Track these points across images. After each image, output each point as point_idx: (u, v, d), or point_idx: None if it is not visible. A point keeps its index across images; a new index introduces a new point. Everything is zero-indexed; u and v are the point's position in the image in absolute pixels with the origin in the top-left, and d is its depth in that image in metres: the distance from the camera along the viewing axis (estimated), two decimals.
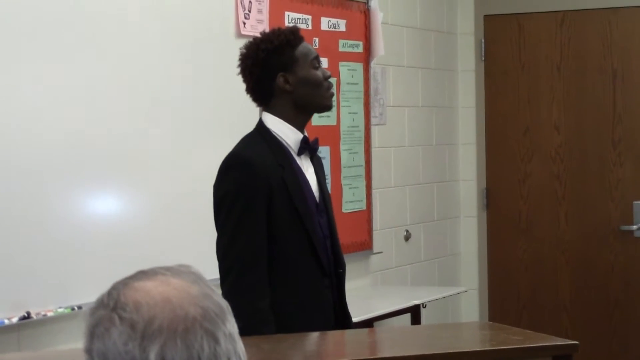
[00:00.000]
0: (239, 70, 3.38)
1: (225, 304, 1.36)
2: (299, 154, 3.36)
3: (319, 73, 3.36)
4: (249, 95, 3.42)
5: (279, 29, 3.43)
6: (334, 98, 3.55)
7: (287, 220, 3.27)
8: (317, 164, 3.47)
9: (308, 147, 3.39)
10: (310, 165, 3.42)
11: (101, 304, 1.34)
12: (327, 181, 5.29)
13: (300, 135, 3.37)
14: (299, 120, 3.37)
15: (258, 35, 3.47)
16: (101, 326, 1.32)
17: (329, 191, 5.24)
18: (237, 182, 3.24)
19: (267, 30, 3.50)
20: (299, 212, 3.28)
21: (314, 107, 3.40)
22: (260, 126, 3.38)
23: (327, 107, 3.44)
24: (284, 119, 3.35)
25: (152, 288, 1.33)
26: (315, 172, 3.43)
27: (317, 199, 3.39)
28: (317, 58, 3.38)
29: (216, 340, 1.31)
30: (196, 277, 1.37)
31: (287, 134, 3.35)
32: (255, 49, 3.34)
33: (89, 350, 1.33)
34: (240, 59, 3.37)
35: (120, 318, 1.31)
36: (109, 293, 1.34)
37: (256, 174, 3.23)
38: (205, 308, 1.33)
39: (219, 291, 3.00)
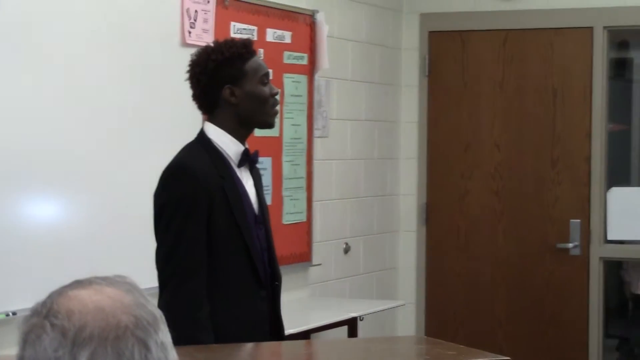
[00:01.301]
0: (187, 76, 3.38)
1: (159, 314, 1.37)
2: (239, 165, 3.37)
3: (266, 89, 3.37)
4: (194, 102, 3.42)
5: (233, 40, 3.42)
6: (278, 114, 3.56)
7: (225, 232, 3.27)
8: (256, 177, 3.48)
9: (248, 159, 3.39)
10: (250, 177, 3.43)
11: (35, 312, 1.34)
12: (268, 192, 5.31)
13: (241, 147, 3.37)
14: (240, 133, 3.38)
15: (207, 44, 3.47)
16: (33, 333, 1.32)
17: (269, 203, 5.26)
18: (178, 191, 3.23)
19: (215, 40, 3.50)
20: (238, 223, 3.29)
21: (256, 122, 3.40)
22: (202, 136, 3.38)
23: (269, 125, 3.45)
24: (226, 130, 3.35)
25: (85, 297, 1.34)
26: (255, 185, 3.44)
27: (256, 211, 3.40)
28: (266, 74, 3.39)
29: (147, 349, 1.32)
30: (131, 287, 1.37)
31: (228, 145, 3.36)
32: (206, 58, 3.34)
33: (20, 358, 1.34)
34: (189, 66, 3.38)
35: (52, 325, 1.31)
36: (44, 302, 1.35)
37: (198, 183, 3.23)
38: (138, 317, 1.33)
39: (155, 301, 3.00)
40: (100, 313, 1.32)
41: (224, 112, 3.35)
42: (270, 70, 3.45)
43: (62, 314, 1.31)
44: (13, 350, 3.94)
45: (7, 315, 3.86)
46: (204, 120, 3.44)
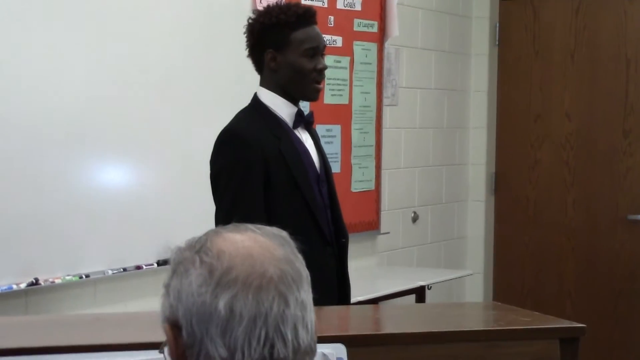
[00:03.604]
0: None
1: (305, 273, 1.39)
2: (294, 127, 3.36)
3: (308, 63, 3.32)
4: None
5: (292, 5, 3.37)
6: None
7: (286, 191, 3.27)
8: (315, 137, 3.47)
9: (303, 120, 3.39)
10: (309, 137, 3.42)
11: (189, 245, 1.39)
12: (337, 160, 5.31)
13: (294, 109, 3.37)
14: (289, 96, 3.37)
15: (271, 4, 3.46)
16: (183, 265, 1.36)
17: (337, 170, 5.26)
18: (231, 156, 3.24)
19: (278, 3, 3.48)
20: (297, 182, 3.28)
21: (295, 94, 3.37)
22: (255, 100, 3.39)
23: (308, 99, 3.43)
24: (276, 93, 3.35)
25: (238, 240, 1.37)
26: (315, 143, 3.43)
27: (318, 169, 3.39)
28: (314, 48, 3.32)
29: (287, 304, 1.34)
30: (284, 242, 1.40)
31: (280, 107, 3.35)
32: (256, 19, 3.35)
33: (167, 286, 1.38)
34: (247, 21, 3.39)
35: (201, 261, 1.35)
36: (200, 237, 1.39)
37: (250, 146, 3.23)
38: (284, 271, 1.36)
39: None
40: (249, 259, 1.35)
41: (269, 76, 3.36)
42: (323, 44, 3.36)
43: (213, 253, 1.35)
44: (86, 311, 4.00)
45: (81, 277, 3.91)
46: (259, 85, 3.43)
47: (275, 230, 1.42)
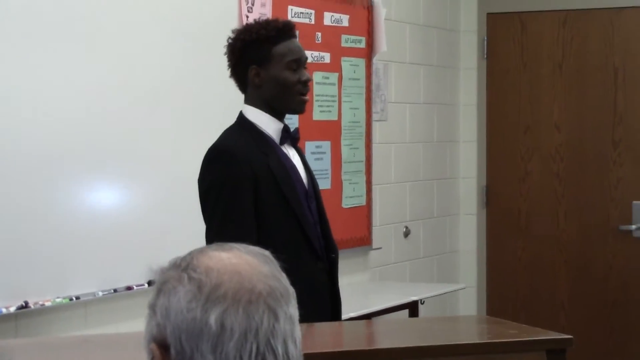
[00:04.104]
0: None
1: (291, 290, 1.41)
2: (281, 143, 3.37)
3: (292, 75, 3.33)
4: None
5: (269, 21, 3.40)
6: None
7: (276, 207, 3.27)
8: (300, 154, 3.47)
9: (289, 136, 3.39)
10: (296, 153, 3.43)
11: (174, 265, 1.39)
12: (327, 176, 5.31)
13: (280, 125, 3.37)
14: (275, 113, 3.37)
15: (248, 22, 3.46)
16: (169, 284, 1.36)
17: (328, 187, 5.26)
18: (220, 174, 3.24)
19: (256, 19, 3.48)
20: (287, 198, 3.28)
21: (281, 107, 3.38)
22: (241, 118, 3.39)
23: (294, 111, 3.43)
24: (262, 110, 3.36)
25: (225, 258, 1.38)
26: (302, 160, 3.44)
27: (306, 185, 3.40)
28: (296, 60, 3.33)
29: (276, 318, 1.35)
30: (268, 260, 1.41)
31: (267, 123, 3.36)
32: (237, 37, 3.36)
33: (152, 306, 1.38)
34: (226, 42, 3.39)
35: (190, 278, 1.35)
36: (184, 257, 1.40)
37: (239, 163, 3.23)
38: (272, 286, 1.37)
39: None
40: (236, 275, 1.35)
41: (254, 93, 3.36)
42: (305, 56, 3.38)
43: (201, 269, 1.35)
44: (77, 333, 3.99)
45: (71, 299, 3.90)
46: (244, 102, 3.44)
47: (258, 249, 1.43)
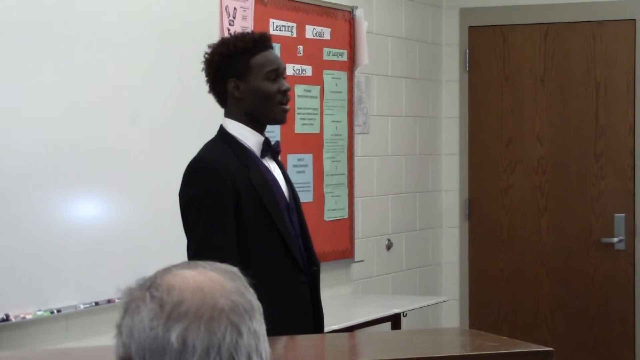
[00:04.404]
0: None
1: (257, 304, 1.40)
2: (262, 156, 3.37)
3: (271, 85, 3.33)
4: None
5: (245, 33, 3.41)
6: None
7: (257, 220, 3.26)
8: (281, 166, 3.47)
9: (270, 149, 3.39)
10: (277, 166, 3.43)
11: (140, 284, 1.40)
12: (309, 189, 5.31)
13: (261, 138, 3.37)
14: (255, 125, 3.37)
15: (223, 37, 3.46)
16: (133, 303, 1.37)
17: (310, 199, 5.26)
18: (201, 186, 3.23)
19: (231, 33, 3.48)
20: (268, 210, 3.28)
21: (263, 118, 3.37)
22: (222, 131, 3.38)
23: (276, 121, 3.42)
24: (242, 123, 3.35)
25: (189, 275, 1.38)
26: (282, 173, 3.44)
27: (287, 198, 3.40)
28: (274, 70, 3.33)
29: (239, 333, 1.35)
30: (234, 276, 1.42)
31: (247, 136, 3.35)
32: (213, 51, 3.35)
33: (118, 326, 1.39)
34: (203, 57, 3.39)
35: (152, 297, 1.36)
36: (150, 276, 1.41)
37: (220, 176, 3.23)
38: (235, 302, 1.37)
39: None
40: (199, 292, 1.36)
41: (234, 106, 3.36)
42: (283, 66, 3.39)
43: (163, 288, 1.36)
44: (58, 346, 3.98)
45: (52, 312, 3.89)
46: (224, 116, 3.43)
47: (225, 266, 1.44)
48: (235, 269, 1.43)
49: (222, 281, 1.39)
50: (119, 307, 1.40)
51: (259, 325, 1.38)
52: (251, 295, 1.40)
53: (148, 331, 1.34)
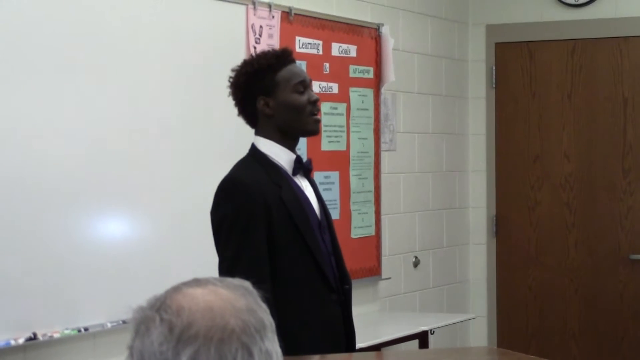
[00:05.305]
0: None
1: (269, 322, 1.37)
2: (294, 174, 3.36)
3: (300, 97, 3.33)
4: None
5: (267, 51, 3.41)
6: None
7: (289, 238, 3.26)
8: (313, 184, 3.46)
9: (302, 167, 3.39)
10: (309, 184, 3.42)
11: (150, 304, 1.37)
12: (336, 206, 5.30)
13: (292, 156, 3.36)
14: (288, 142, 3.36)
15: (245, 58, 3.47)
16: (144, 325, 1.35)
17: (337, 217, 5.25)
18: (233, 205, 3.23)
19: (252, 53, 3.49)
20: (300, 229, 3.27)
21: (297, 131, 3.37)
22: (253, 150, 3.38)
23: (310, 132, 3.42)
24: (273, 141, 3.35)
25: (199, 295, 1.36)
26: (314, 191, 3.43)
27: (319, 216, 3.39)
28: (301, 82, 3.34)
29: (250, 355, 1.33)
30: (246, 292, 1.39)
31: (279, 155, 3.35)
32: (239, 72, 3.35)
33: (130, 347, 1.37)
34: (228, 82, 3.39)
35: (161, 319, 1.34)
36: (160, 295, 1.38)
37: (252, 195, 3.22)
38: (246, 322, 1.34)
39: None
40: (209, 313, 1.33)
41: (266, 124, 3.35)
42: (309, 78, 3.39)
43: (173, 309, 1.34)
44: None
45: (79, 331, 3.89)
46: (255, 135, 3.43)
47: (237, 281, 1.41)
48: (247, 284, 1.41)
49: (232, 299, 1.36)
50: (129, 327, 1.38)
51: (271, 344, 1.36)
52: (263, 312, 1.38)
53: (158, 355, 1.32)
